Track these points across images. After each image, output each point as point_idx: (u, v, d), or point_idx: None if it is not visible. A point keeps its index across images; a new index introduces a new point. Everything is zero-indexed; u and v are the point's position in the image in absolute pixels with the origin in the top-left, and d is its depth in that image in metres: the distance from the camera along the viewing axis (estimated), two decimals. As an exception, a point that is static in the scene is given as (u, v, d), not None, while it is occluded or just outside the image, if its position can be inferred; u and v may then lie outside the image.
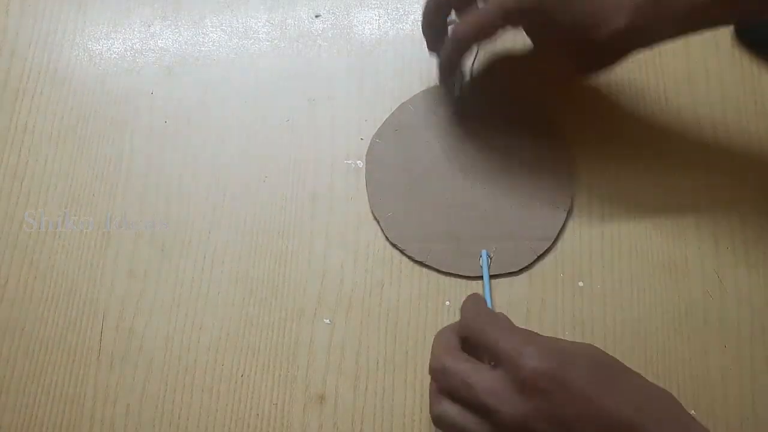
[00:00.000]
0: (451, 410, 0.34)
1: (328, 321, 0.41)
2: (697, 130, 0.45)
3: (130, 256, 0.43)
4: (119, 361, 0.41)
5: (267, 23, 0.49)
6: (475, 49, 0.47)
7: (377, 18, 0.49)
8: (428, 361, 0.40)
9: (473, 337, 0.35)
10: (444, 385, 0.34)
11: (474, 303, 0.37)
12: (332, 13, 0.49)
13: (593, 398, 0.31)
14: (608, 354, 0.33)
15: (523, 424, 0.31)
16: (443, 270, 0.42)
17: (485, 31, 0.39)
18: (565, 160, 0.44)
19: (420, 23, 0.42)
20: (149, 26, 0.49)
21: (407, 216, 0.43)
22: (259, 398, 0.40)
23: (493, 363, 0.34)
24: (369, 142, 0.45)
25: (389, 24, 0.48)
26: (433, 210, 0.43)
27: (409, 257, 0.42)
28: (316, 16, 0.49)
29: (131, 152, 0.46)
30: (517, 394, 0.32)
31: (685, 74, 0.46)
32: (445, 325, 0.41)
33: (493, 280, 0.41)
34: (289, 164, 0.45)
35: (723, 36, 0.47)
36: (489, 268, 0.41)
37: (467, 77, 0.46)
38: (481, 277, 0.41)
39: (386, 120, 0.45)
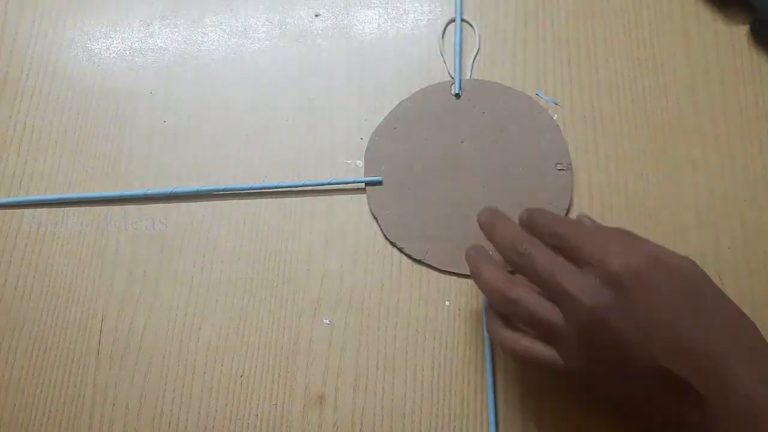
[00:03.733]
0: (528, 296, 0.33)
1: (327, 321, 0.41)
2: (697, 129, 0.45)
3: (129, 256, 0.43)
4: (118, 361, 0.41)
5: (266, 22, 0.49)
6: (476, 45, 0.47)
7: (377, 17, 0.49)
8: (427, 360, 0.40)
9: (558, 240, 0.34)
10: (526, 272, 0.34)
11: (541, 211, 0.36)
12: (332, 12, 0.49)
13: (674, 315, 0.30)
14: (704, 274, 0.32)
15: (600, 317, 0.30)
16: (442, 269, 0.42)
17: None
18: (564, 159, 0.44)
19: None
20: (148, 25, 0.49)
21: (406, 215, 0.43)
22: (258, 398, 0.40)
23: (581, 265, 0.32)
24: (368, 141, 0.45)
25: (389, 24, 0.48)
26: (432, 208, 0.43)
27: (408, 256, 0.42)
28: (316, 16, 0.49)
29: (130, 151, 0.46)
30: (601, 286, 0.31)
31: (687, 74, 0.46)
32: (445, 325, 0.41)
33: (493, 280, 0.41)
34: (288, 164, 0.45)
35: (724, 32, 0.47)
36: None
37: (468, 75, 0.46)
38: (480, 277, 0.41)
39: (385, 118, 0.45)
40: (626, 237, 0.33)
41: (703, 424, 0.30)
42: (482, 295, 0.40)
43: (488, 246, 0.38)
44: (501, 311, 0.36)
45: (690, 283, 0.31)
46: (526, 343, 0.34)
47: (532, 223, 0.36)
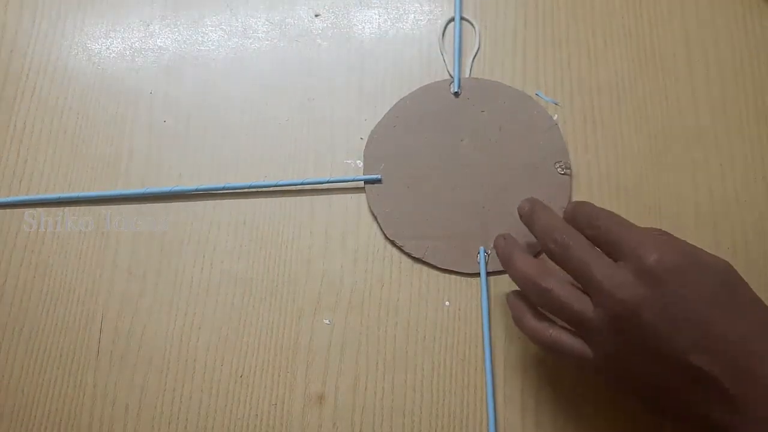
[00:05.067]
0: (561, 286, 0.33)
1: (327, 321, 0.41)
2: (697, 129, 0.44)
3: (129, 256, 0.43)
4: (118, 361, 0.41)
5: (266, 22, 0.49)
6: (476, 44, 0.47)
7: (377, 17, 0.49)
8: (427, 360, 0.40)
9: (597, 231, 0.34)
10: (561, 261, 0.34)
11: (585, 204, 0.36)
12: (332, 12, 0.49)
13: (706, 313, 0.30)
14: (738, 275, 0.32)
15: (632, 311, 0.30)
16: (441, 267, 0.42)
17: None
18: (564, 158, 0.44)
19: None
20: (148, 25, 0.49)
21: (406, 213, 0.43)
22: (258, 398, 0.40)
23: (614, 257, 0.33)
24: (368, 139, 0.45)
25: (389, 24, 0.48)
26: (431, 207, 0.43)
27: (407, 254, 0.42)
28: (316, 16, 0.49)
29: (130, 151, 0.46)
30: (635, 279, 0.31)
31: (687, 74, 0.46)
32: (444, 325, 0.41)
33: (490, 278, 0.41)
34: (288, 163, 0.45)
35: (724, 30, 0.47)
36: (487, 265, 0.41)
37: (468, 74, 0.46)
38: (479, 275, 0.41)
39: (385, 116, 0.45)
40: (663, 235, 0.33)
41: (733, 427, 0.29)
42: (510, 284, 0.40)
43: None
44: (532, 300, 0.35)
45: (723, 283, 0.31)
46: (554, 332, 0.34)
47: (574, 215, 0.36)
